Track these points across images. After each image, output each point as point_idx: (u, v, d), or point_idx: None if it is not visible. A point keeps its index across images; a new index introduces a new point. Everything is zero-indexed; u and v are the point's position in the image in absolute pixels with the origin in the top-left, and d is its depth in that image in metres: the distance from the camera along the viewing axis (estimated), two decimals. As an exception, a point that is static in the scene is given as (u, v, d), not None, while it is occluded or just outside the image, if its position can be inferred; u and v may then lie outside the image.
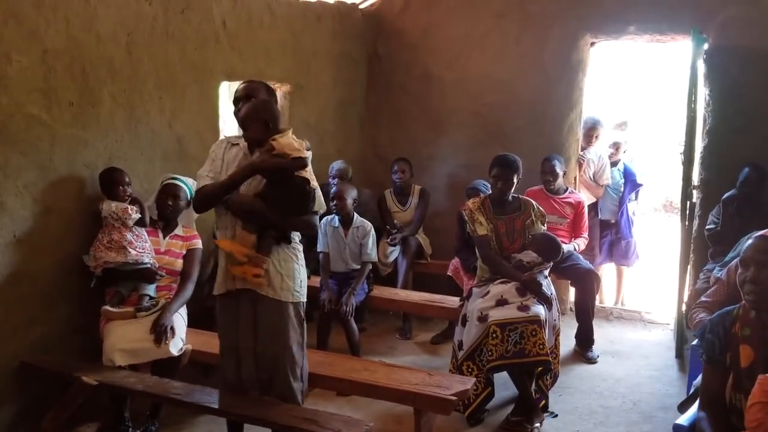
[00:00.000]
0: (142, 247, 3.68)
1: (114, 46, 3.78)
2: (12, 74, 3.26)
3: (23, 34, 3.30)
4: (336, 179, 5.30)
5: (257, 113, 3.10)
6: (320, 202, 3.22)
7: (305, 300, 3.27)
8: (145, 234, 3.76)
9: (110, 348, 3.47)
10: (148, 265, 3.68)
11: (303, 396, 3.27)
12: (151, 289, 3.72)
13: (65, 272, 3.61)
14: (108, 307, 3.57)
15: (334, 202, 4.83)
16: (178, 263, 3.87)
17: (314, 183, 3.16)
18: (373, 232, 4.94)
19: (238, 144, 3.21)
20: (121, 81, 3.85)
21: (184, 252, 3.89)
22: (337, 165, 5.44)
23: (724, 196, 4.83)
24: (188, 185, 3.87)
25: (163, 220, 3.90)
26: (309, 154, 3.16)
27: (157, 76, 4.08)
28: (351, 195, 4.88)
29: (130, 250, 3.61)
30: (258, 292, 3.11)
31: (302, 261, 3.27)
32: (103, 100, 3.75)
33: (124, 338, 3.50)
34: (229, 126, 5.24)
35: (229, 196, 3.05)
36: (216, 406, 3.20)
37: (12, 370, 3.42)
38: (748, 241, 2.59)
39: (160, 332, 3.50)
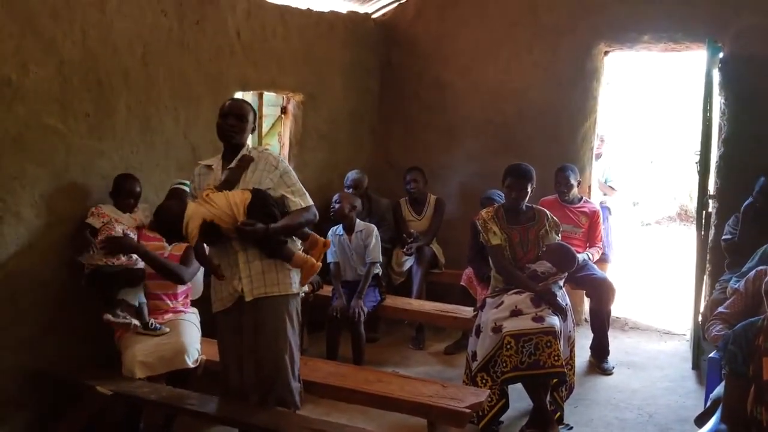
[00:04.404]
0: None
1: (130, 57, 3.81)
2: (29, 85, 3.29)
3: (40, 46, 3.33)
4: (351, 189, 5.30)
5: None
6: (298, 198, 3.24)
7: (301, 292, 3.36)
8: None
9: (131, 360, 3.46)
10: (116, 269, 3.55)
11: (300, 398, 3.30)
12: (135, 297, 3.61)
13: (79, 281, 3.61)
14: (109, 317, 3.49)
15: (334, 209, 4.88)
16: None
17: (237, 200, 3.11)
18: (377, 233, 4.94)
19: (211, 166, 3.28)
20: (137, 92, 3.88)
21: None
22: (351, 175, 5.45)
23: (744, 205, 4.74)
24: None
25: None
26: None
27: (172, 86, 4.11)
28: (348, 201, 4.90)
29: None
30: (260, 296, 3.17)
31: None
32: (119, 111, 3.78)
33: (144, 350, 3.49)
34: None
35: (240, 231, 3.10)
36: (230, 417, 3.20)
37: (26, 378, 3.43)
38: None
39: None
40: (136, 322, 3.56)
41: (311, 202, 3.30)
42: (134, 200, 3.70)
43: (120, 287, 3.55)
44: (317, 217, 3.35)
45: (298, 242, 3.32)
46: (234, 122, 3.21)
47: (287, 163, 3.34)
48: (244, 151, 3.25)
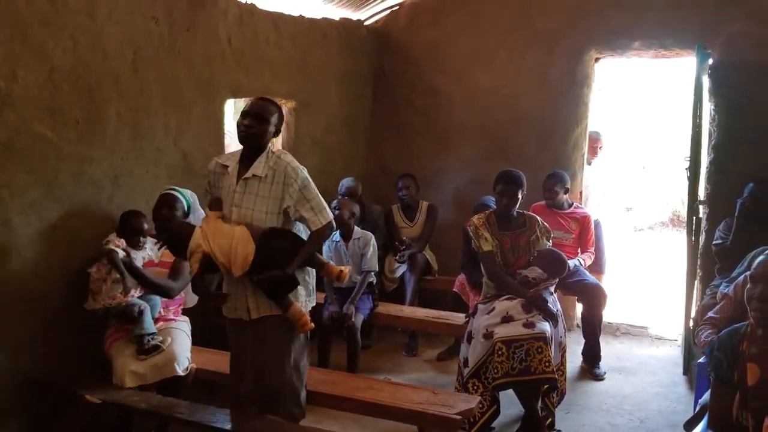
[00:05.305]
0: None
1: (120, 63, 3.81)
2: (18, 92, 3.28)
3: (30, 52, 3.32)
4: (345, 197, 5.30)
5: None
6: (318, 216, 3.14)
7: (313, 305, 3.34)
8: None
9: (121, 369, 3.44)
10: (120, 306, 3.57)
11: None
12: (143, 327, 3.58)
13: (70, 289, 3.60)
14: (143, 357, 3.48)
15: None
16: None
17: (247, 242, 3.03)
18: (374, 241, 4.95)
19: (228, 167, 3.17)
20: (128, 98, 3.87)
21: None
22: (346, 183, 5.45)
23: (738, 206, 4.71)
24: (185, 196, 3.80)
25: (160, 231, 3.85)
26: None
27: (164, 93, 4.10)
28: (348, 208, 4.90)
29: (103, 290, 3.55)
30: (265, 314, 3.15)
31: (311, 271, 3.31)
32: (109, 118, 3.77)
33: (135, 360, 3.47)
34: (234, 142, 5.26)
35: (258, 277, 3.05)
36: (220, 425, 3.18)
37: (18, 385, 3.41)
38: (759, 258, 2.58)
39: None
40: (164, 339, 3.56)
41: (330, 216, 3.16)
42: (143, 238, 3.68)
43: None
44: (334, 228, 3.30)
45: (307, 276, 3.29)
46: (251, 123, 3.02)
47: (306, 172, 3.18)
48: (263, 156, 3.09)
